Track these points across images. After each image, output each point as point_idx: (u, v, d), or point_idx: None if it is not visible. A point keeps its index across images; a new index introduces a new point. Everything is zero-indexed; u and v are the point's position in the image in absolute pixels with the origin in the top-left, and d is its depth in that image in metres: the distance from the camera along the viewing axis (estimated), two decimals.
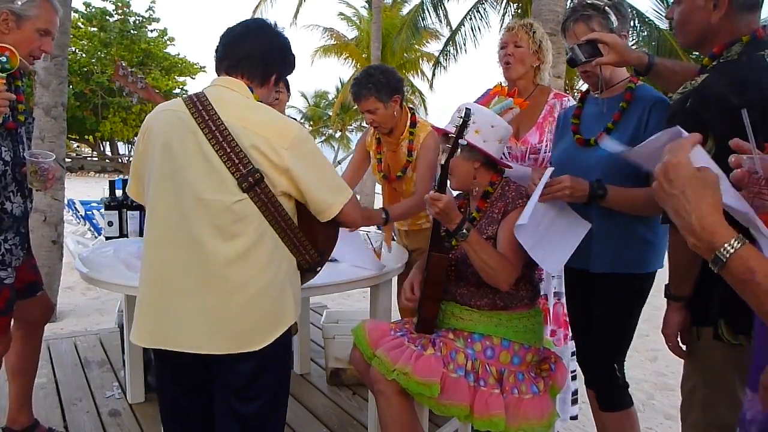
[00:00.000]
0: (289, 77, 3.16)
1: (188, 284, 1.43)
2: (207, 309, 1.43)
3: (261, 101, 1.57)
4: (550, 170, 1.78)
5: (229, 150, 1.40)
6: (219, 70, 1.58)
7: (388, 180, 2.70)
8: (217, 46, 1.59)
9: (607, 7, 1.81)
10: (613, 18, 1.81)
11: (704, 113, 1.29)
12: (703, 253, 0.81)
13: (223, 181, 1.41)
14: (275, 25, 1.62)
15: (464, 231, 1.75)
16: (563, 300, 2.51)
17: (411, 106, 2.84)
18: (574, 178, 1.74)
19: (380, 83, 2.40)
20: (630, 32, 1.94)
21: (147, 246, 1.51)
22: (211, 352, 1.43)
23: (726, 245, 0.78)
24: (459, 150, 1.80)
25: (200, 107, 1.45)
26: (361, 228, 2.41)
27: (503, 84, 2.39)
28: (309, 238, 1.54)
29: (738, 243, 0.78)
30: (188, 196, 1.43)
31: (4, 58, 1.82)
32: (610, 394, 1.92)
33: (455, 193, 2.08)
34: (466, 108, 1.76)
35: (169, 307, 1.45)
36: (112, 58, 22.50)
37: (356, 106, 2.59)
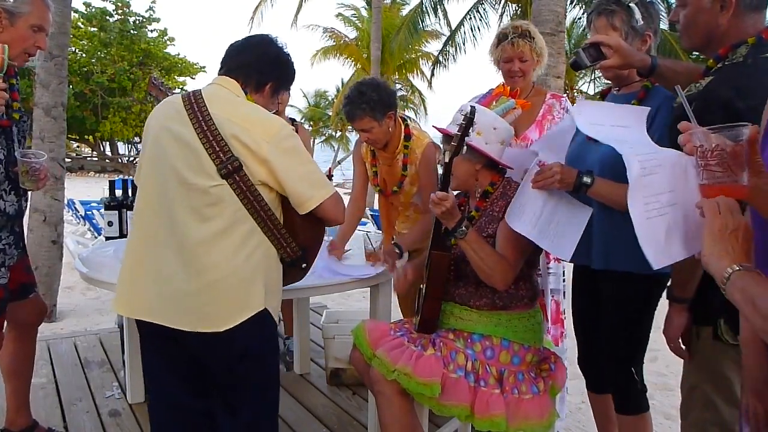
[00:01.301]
0: None
1: (163, 261, 1.52)
2: (176, 286, 1.50)
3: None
4: (536, 159, 1.80)
5: (211, 138, 1.50)
6: (219, 75, 1.68)
7: (385, 194, 2.69)
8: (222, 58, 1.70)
9: (632, 4, 1.79)
10: (637, 15, 1.78)
11: (709, 117, 1.28)
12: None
13: (203, 166, 1.49)
14: (277, 39, 1.71)
15: (463, 229, 1.75)
16: (557, 297, 2.52)
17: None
18: (564, 166, 1.75)
19: (373, 101, 2.37)
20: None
21: (133, 221, 1.62)
22: (176, 326, 1.50)
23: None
24: (464, 149, 1.80)
25: (192, 100, 1.56)
26: (359, 228, 2.42)
27: (505, 84, 2.40)
28: (290, 231, 1.59)
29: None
30: (171, 178, 1.53)
31: None
32: (627, 397, 1.91)
33: (455, 192, 2.07)
34: (471, 107, 1.76)
35: (145, 281, 1.55)
36: (112, 58, 22.51)
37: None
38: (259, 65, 1.65)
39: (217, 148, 1.48)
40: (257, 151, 1.49)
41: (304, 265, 1.67)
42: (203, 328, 1.49)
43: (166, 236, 1.52)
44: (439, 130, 1.99)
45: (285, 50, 1.71)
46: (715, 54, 1.44)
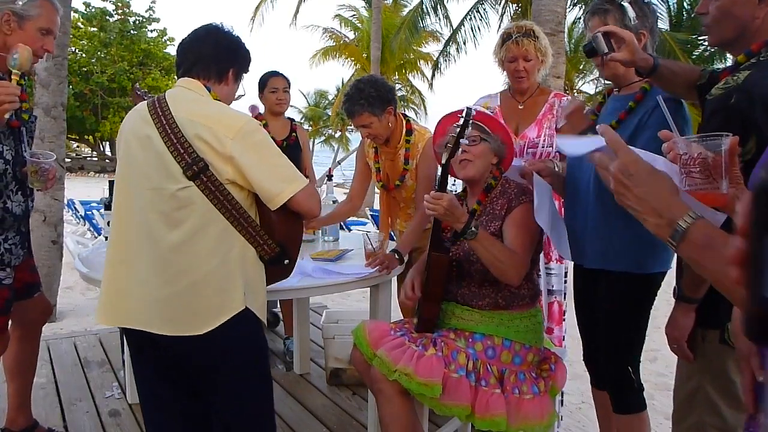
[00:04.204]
0: (289, 77, 3.23)
1: (140, 268, 1.52)
2: (153, 291, 1.50)
3: (220, 99, 1.64)
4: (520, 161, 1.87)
5: (175, 140, 1.48)
6: (179, 77, 1.67)
7: (387, 189, 2.70)
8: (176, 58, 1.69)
9: (626, 3, 1.79)
10: (631, 14, 1.79)
11: (750, 112, 1.25)
12: (662, 232, 0.87)
13: (169, 169, 1.48)
14: (222, 25, 1.69)
15: (473, 229, 1.74)
16: (559, 298, 2.52)
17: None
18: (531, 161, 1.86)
19: (372, 97, 2.39)
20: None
21: (111, 230, 1.61)
22: (156, 331, 1.49)
23: (685, 216, 0.85)
24: (460, 150, 1.81)
25: (157, 105, 1.55)
26: (359, 228, 2.41)
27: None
28: (266, 228, 1.56)
29: (695, 215, 0.85)
30: (141, 185, 1.53)
31: (16, 55, 1.84)
32: (623, 396, 1.91)
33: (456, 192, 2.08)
34: (467, 108, 1.76)
35: (124, 289, 1.55)
36: (112, 58, 22.52)
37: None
38: (215, 56, 1.63)
39: (182, 150, 1.46)
40: (221, 150, 1.46)
41: (286, 261, 1.64)
42: (183, 331, 1.48)
43: (141, 242, 1.51)
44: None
45: (233, 33, 1.69)
46: (746, 49, 1.38)
